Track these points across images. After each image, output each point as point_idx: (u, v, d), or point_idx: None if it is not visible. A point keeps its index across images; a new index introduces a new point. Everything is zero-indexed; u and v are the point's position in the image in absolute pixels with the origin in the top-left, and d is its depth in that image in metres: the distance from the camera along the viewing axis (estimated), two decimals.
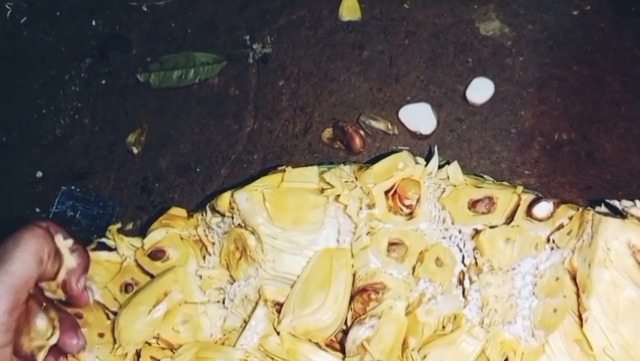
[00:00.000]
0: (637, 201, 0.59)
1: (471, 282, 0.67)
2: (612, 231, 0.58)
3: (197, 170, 0.92)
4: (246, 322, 0.70)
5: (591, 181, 0.83)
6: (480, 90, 0.87)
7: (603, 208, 0.65)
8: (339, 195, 0.70)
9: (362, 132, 0.88)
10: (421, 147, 0.87)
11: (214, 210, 0.75)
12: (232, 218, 0.73)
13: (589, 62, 0.88)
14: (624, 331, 0.55)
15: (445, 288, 0.68)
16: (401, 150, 0.86)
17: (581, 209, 0.64)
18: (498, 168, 0.85)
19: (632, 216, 0.58)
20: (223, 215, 0.74)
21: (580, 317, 0.58)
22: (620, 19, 0.89)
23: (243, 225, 0.72)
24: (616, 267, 0.56)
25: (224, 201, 0.73)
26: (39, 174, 0.97)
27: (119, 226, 0.77)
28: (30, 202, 0.96)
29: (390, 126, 0.87)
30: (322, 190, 0.72)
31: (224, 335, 0.71)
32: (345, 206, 0.70)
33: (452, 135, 0.87)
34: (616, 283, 0.56)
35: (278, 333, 0.66)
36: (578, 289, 0.59)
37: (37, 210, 0.95)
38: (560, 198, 0.83)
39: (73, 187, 0.94)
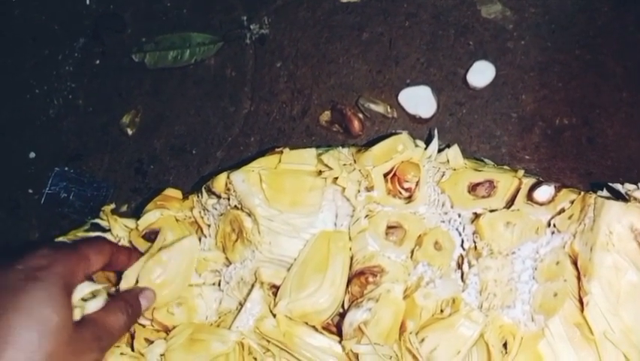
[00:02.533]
0: None
1: (470, 266, 0.66)
2: (615, 214, 0.57)
3: (193, 152, 0.91)
4: (241, 304, 0.69)
5: (592, 167, 0.82)
6: (481, 74, 0.85)
7: (605, 193, 0.64)
8: (337, 178, 0.69)
9: (361, 115, 0.86)
10: (421, 130, 0.86)
11: (210, 192, 0.73)
12: (228, 199, 0.72)
13: (591, 47, 0.87)
14: (625, 315, 0.54)
15: (443, 272, 0.67)
16: (401, 133, 0.86)
17: (582, 193, 0.63)
18: (498, 153, 0.84)
19: (635, 199, 0.57)
20: (219, 196, 0.73)
21: (580, 301, 0.57)
22: (622, 3, 0.88)
23: (239, 206, 0.71)
24: (618, 251, 0.56)
25: (220, 182, 0.71)
26: (32, 154, 0.95)
27: (112, 206, 0.76)
28: (23, 183, 0.94)
29: (389, 109, 0.86)
30: (320, 172, 0.71)
31: (219, 318, 0.70)
32: (343, 189, 0.69)
33: (452, 119, 0.86)
34: (618, 267, 0.55)
35: (274, 316, 0.66)
36: (578, 273, 0.59)
37: (30, 191, 0.94)
38: (560, 183, 0.82)
39: (66, 168, 0.92)
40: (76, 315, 0.56)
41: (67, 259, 0.56)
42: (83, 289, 0.58)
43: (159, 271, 0.66)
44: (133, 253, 0.68)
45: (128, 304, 0.61)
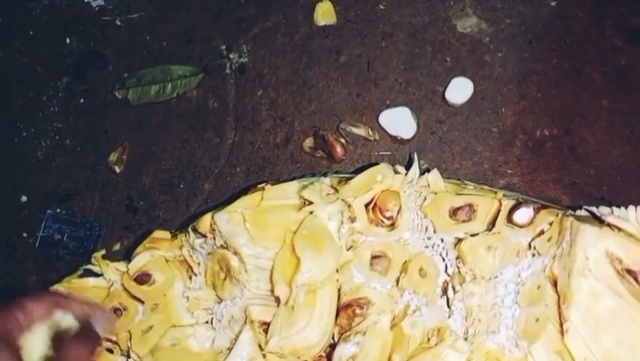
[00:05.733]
0: (614, 208, 0.59)
1: (454, 291, 0.67)
2: (590, 239, 0.57)
3: (181, 186, 0.92)
4: (234, 342, 0.70)
5: (575, 177, 0.83)
6: (459, 90, 0.86)
7: (584, 212, 0.65)
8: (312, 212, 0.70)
9: (343, 140, 0.87)
10: (403, 151, 0.87)
11: (196, 232, 0.75)
12: (214, 239, 0.73)
13: (568, 55, 0.87)
14: (605, 340, 0.55)
15: (429, 299, 0.68)
16: (382, 156, 0.87)
17: (560, 214, 0.64)
18: (481, 169, 0.84)
19: (609, 224, 0.58)
20: (205, 236, 0.74)
21: (562, 326, 0.58)
22: (598, 9, 0.88)
23: (225, 246, 0.72)
24: (595, 276, 0.56)
25: (205, 223, 0.72)
26: (24, 198, 0.97)
27: (103, 252, 0.78)
28: (17, 227, 0.96)
29: (370, 132, 0.87)
30: (304, 204, 0.72)
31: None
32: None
33: (433, 138, 0.86)
34: (595, 293, 0.56)
35: (264, 356, 0.67)
36: (559, 298, 0.59)
37: (25, 235, 0.95)
38: (544, 195, 0.83)
39: (58, 210, 0.94)
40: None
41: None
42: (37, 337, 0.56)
43: None
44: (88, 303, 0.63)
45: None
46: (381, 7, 0.92)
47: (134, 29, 1.01)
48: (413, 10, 0.91)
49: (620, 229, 0.57)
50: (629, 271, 0.56)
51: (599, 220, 0.60)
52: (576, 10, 0.89)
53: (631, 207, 0.58)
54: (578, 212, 0.65)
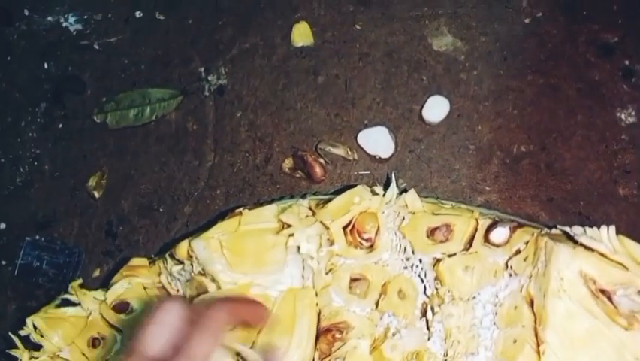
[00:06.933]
0: (587, 228, 0.59)
1: (433, 313, 0.67)
2: (564, 260, 0.58)
3: (161, 210, 0.92)
4: None
5: (552, 193, 0.83)
6: (436, 109, 0.86)
7: (559, 231, 0.65)
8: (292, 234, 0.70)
9: (322, 161, 0.87)
10: (382, 170, 0.87)
11: (174, 259, 0.74)
12: (192, 266, 0.72)
13: (543, 71, 0.88)
14: None
15: (408, 321, 0.67)
16: (362, 176, 0.87)
17: (535, 234, 0.64)
18: (459, 186, 0.85)
19: (582, 244, 0.58)
20: (183, 263, 0.73)
21: (539, 347, 0.58)
22: (571, 25, 0.89)
23: (203, 272, 0.71)
24: (570, 297, 0.56)
25: (182, 249, 0.72)
26: (2, 225, 0.96)
27: (80, 281, 0.77)
28: None
29: (349, 152, 0.87)
30: (283, 227, 0.72)
31: None
32: (298, 247, 0.70)
33: (411, 156, 0.86)
34: (570, 314, 0.56)
35: None
36: (535, 319, 0.60)
37: (4, 262, 0.94)
38: (522, 212, 0.83)
39: (37, 237, 0.93)
40: None
41: None
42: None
43: None
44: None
45: None
46: (358, 27, 0.93)
47: (112, 53, 1.00)
48: (389, 29, 0.92)
49: (593, 250, 0.57)
50: (603, 291, 0.56)
51: (572, 240, 0.61)
52: (550, 26, 0.90)
53: (603, 227, 0.58)
54: (554, 231, 0.65)
